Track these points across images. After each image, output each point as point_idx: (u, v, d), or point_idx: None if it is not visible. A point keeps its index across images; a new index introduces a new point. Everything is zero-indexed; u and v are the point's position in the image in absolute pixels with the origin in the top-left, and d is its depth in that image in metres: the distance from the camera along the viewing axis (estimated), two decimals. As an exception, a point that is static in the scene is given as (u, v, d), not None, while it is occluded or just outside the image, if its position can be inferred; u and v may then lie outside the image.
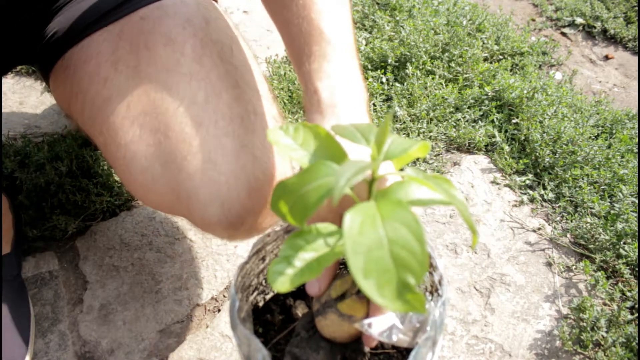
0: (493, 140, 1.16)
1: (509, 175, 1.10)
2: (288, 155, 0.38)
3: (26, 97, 1.17)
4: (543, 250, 0.97)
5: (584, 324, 0.83)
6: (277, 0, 0.53)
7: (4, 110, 1.12)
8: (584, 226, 0.98)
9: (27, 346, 0.74)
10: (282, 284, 0.34)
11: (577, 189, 1.06)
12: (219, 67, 0.58)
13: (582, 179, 1.07)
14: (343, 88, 0.48)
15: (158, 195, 0.57)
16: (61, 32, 0.64)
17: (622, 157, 1.13)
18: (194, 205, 0.54)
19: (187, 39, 0.58)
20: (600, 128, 1.23)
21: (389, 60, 1.28)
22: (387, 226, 0.31)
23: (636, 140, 1.17)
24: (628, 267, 0.92)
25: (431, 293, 0.51)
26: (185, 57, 0.57)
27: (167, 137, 0.54)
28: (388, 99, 1.23)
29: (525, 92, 1.21)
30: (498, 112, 1.21)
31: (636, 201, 1.02)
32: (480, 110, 1.21)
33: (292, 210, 0.35)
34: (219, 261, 0.91)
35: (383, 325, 0.43)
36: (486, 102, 1.23)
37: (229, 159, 0.54)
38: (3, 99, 1.15)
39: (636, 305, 0.87)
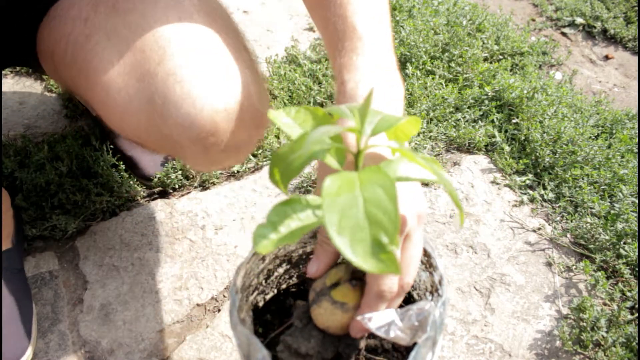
0: (493, 140, 1.16)
1: (509, 175, 1.10)
2: (286, 132, 0.41)
3: (26, 97, 1.17)
4: (543, 250, 0.97)
5: (584, 324, 0.83)
6: (317, 2, 0.57)
7: (4, 110, 1.12)
8: (584, 226, 0.98)
9: (29, 340, 0.74)
10: (265, 247, 0.36)
11: (577, 189, 1.06)
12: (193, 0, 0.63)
13: (582, 179, 1.07)
14: (369, 80, 0.49)
15: (134, 114, 0.59)
16: None
17: (622, 157, 1.13)
18: (168, 110, 0.56)
19: None
20: (600, 128, 1.23)
21: (389, 60, 1.28)
22: (363, 188, 0.33)
23: (636, 140, 1.17)
24: (628, 267, 0.92)
25: (431, 293, 0.51)
26: None
27: (142, 52, 0.58)
28: (388, 99, 1.23)
29: (525, 92, 1.21)
30: (498, 112, 1.21)
31: (636, 201, 1.02)
32: (480, 110, 1.21)
33: (281, 177, 0.38)
34: (219, 261, 0.91)
35: (382, 320, 0.43)
36: (486, 102, 1.23)
37: (201, 64, 0.57)
38: (3, 99, 1.15)
39: (636, 305, 0.87)
